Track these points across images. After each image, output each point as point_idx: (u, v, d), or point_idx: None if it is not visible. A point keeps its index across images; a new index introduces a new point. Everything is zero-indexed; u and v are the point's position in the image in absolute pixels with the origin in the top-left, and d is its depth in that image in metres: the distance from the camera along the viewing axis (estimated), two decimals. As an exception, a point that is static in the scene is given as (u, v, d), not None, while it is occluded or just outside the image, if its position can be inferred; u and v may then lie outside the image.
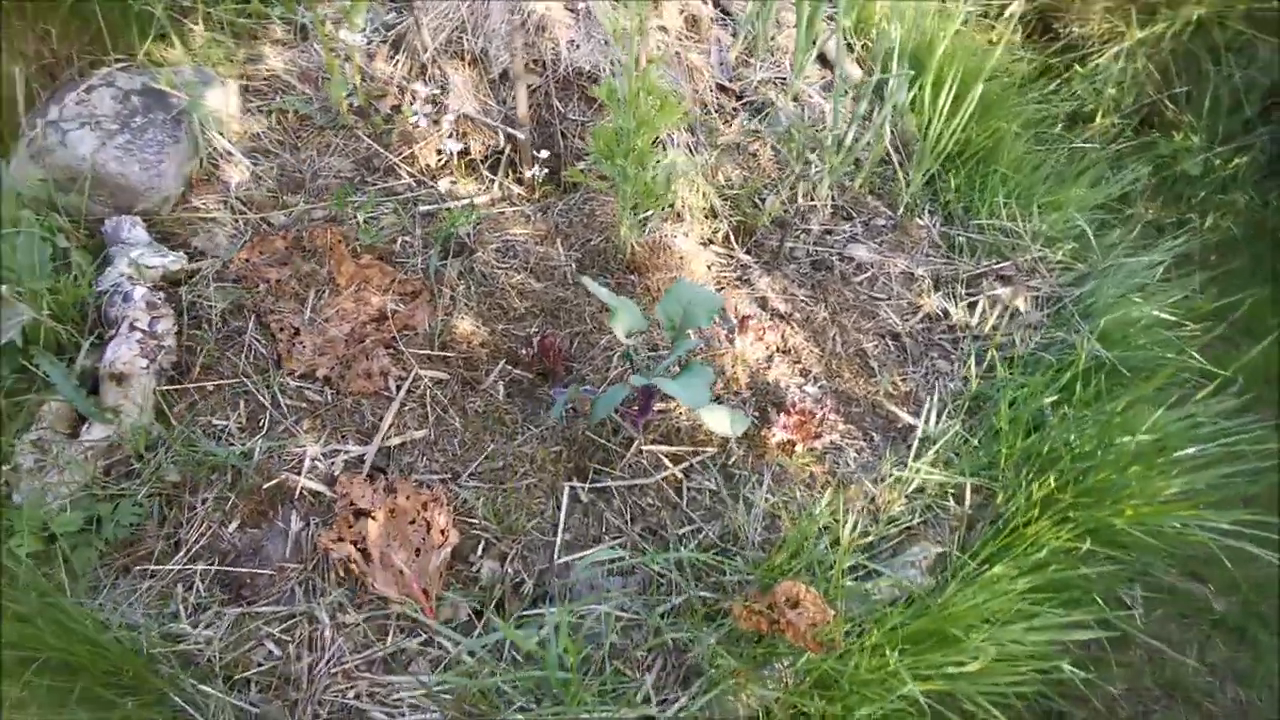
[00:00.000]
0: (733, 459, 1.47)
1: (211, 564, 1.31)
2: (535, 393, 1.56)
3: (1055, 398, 1.52)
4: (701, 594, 1.29)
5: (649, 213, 1.87)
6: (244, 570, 1.30)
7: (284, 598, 1.28)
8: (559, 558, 1.33)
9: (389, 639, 1.25)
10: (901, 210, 1.97)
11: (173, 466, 1.38)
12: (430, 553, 1.29)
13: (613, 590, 1.30)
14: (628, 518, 1.39)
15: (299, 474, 1.39)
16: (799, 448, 1.48)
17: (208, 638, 1.23)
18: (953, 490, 1.44)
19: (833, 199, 2.00)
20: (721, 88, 2.11)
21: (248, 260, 1.65)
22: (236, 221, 1.73)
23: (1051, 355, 1.65)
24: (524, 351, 1.59)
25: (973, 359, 1.68)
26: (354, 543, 1.29)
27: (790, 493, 1.44)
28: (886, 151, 2.03)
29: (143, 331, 1.43)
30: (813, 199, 1.98)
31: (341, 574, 1.29)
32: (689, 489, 1.43)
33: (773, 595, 1.17)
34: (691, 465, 1.45)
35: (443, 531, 1.31)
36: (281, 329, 1.55)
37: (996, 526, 1.41)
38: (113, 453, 1.38)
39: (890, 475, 1.49)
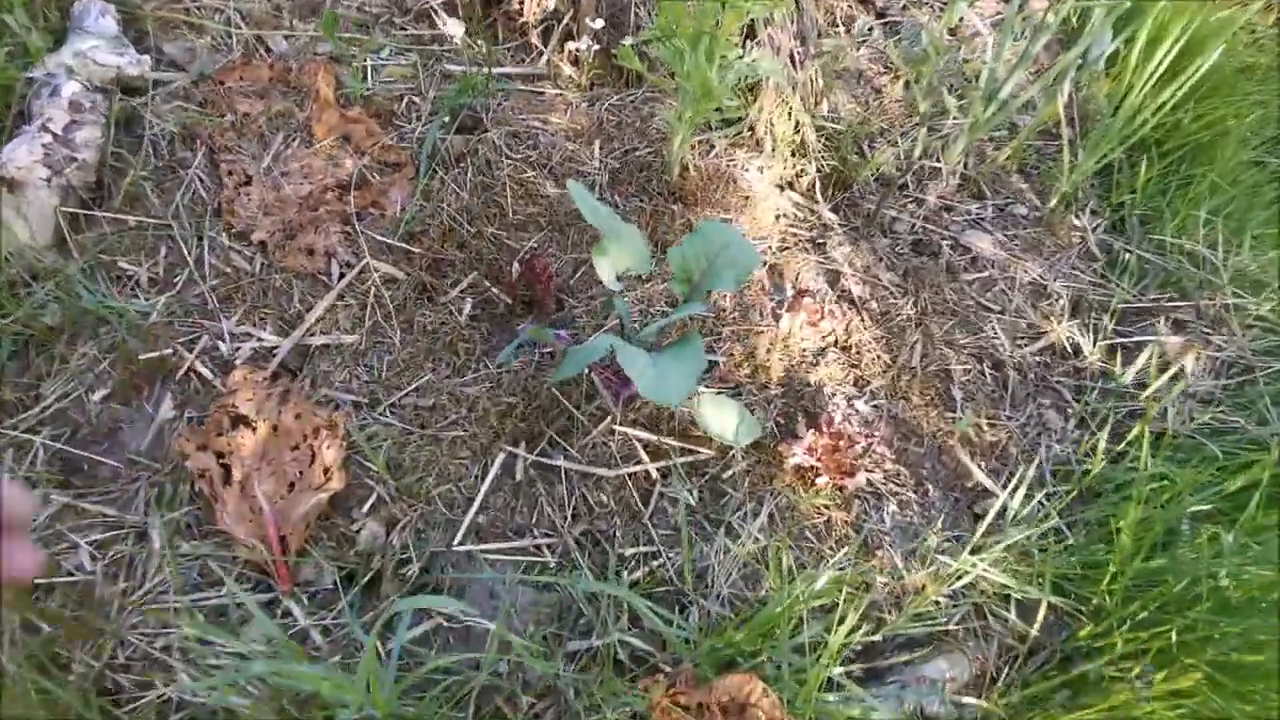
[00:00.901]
0: (730, 472, 1.10)
1: (60, 436, 1.06)
2: (509, 323, 1.22)
3: (1209, 508, 1.06)
4: (630, 642, 0.95)
5: (716, 131, 1.45)
6: (89, 454, 1.05)
7: (122, 500, 1.02)
8: (460, 542, 1.01)
9: (226, 586, 0.98)
10: (1054, 201, 1.47)
11: (56, 307, 1.13)
12: (304, 493, 1.00)
13: (517, 605, 0.98)
14: (568, 513, 1.05)
15: (192, 351, 1.12)
16: (822, 480, 1.09)
17: (18, 524, 0.99)
18: (1020, 597, 1.02)
19: (964, 166, 1.52)
20: (859, -7, 1.63)
21: (222, 84, 1.35)
22: (228, 36, 1.43)
23: (1219, 446, 1.16)
24: (509, 268, 1.25)
25: (1105, 429, 1.22)
26: (219, 455, 1.02)
27: (790, 539, 1.06)
28: (1056, 119, 1.52)
29: (54, 135, 1.16)
30: (939, 160, 1.51)
31: (195, 491, 1.02)
32: (660, 497, 1.08)
33: (711, 691, 0.82)
34: (672, 467, 1.09)
35: (327, 471, 1.01)
36: (231, 173, 1.26)
37: (1069, 666, 0.99)
38: (-11, 273, 1.14)
39: (937, 551, 1.08)
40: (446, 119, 1.37)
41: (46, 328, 1.13)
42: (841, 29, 1.65)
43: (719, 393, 1.16)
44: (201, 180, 1.27)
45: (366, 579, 0.99)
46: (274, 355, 1.13)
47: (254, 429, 1.03)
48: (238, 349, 1.14)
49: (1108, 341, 1.31)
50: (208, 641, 0.95)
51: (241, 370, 1.09)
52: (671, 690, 0.83)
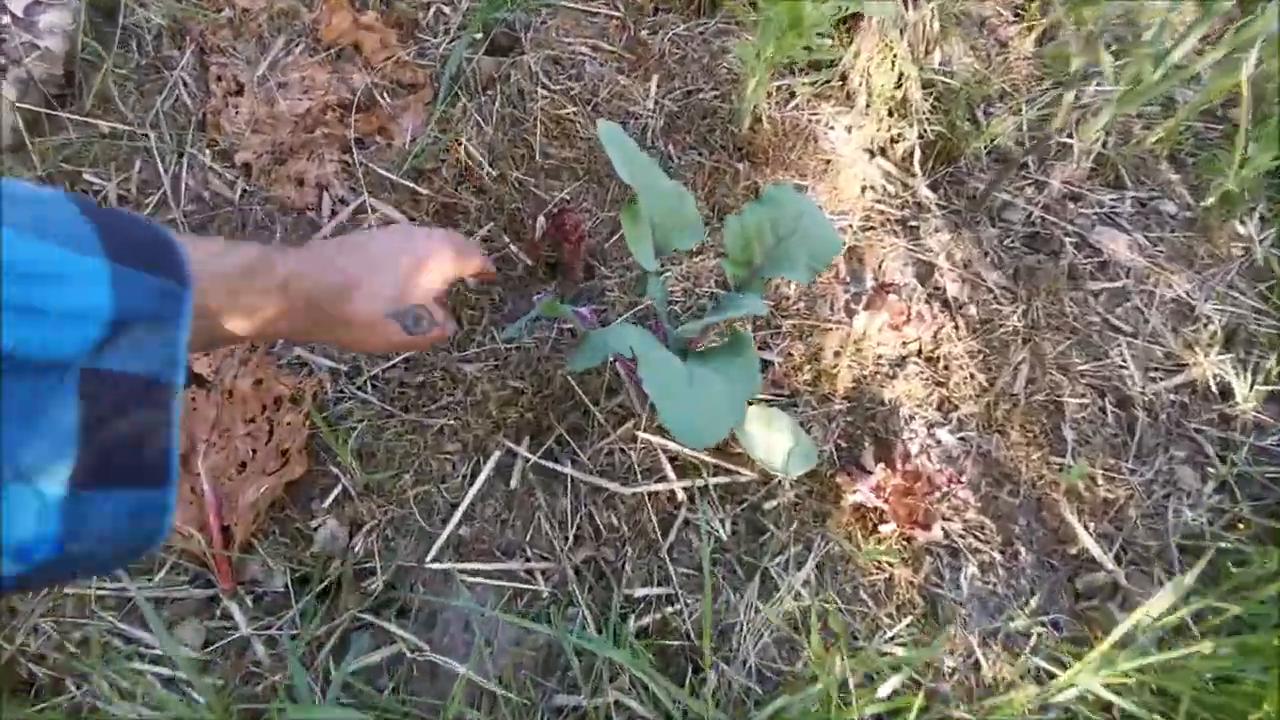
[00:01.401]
0: (773, 503, 0.89)
1: None
2: (527, 288, 1.01)
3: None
4: (629, 705, 0.77)
5: (799, 76, 1.20)
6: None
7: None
8: (436, 557, 0.83)
9: (158, 574, 0.82)
10: (1212, 199, 1.18)
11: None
12: (256, 477, 0.82)
13: (496, 642, 0.80)
14: (570, 534, 0.86)
15: (150, 290, 0.94)
16: (887, 528, 0.87)
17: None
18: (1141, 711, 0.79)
19: (1103, 145, 1.23)
20: (997, -81, 1.32)
21: (224, -28, 1.15)
22: (237, -83, 1.21)
23: None
24: (533, 222, 1.03)
25: (1252, 500, 0.97)
26: (162, 419, 0.84)
27: (839, 598, 0.85)
28: (1229, 96, 1.22)
29: (13, 16, 0.98)
30: (1072, 135, 1.23)
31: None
32: (684, 525, 0.88)
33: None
34: (703, 489, 0.89)
35: (284, 453, 0.84)
36: (221, 79, 1.07)
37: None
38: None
39: (1026, 640, 0.86)
40: (478, 35, 1.14)
41: None
42: (967, -37, 1.35)
43: (770, 403, 0.95)
44: (187, 85, 1.08)
45: (322, 585, 0.82)
46: (245, 302, 0.95)
47: (208, 393, 0.86)
48: (205, 291, 0.96)
49: (1270, 387, 1.04)
50: (130, 638, 0.80)
51: (203, 318, 0.91)
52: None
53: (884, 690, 0.72)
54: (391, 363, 0.92)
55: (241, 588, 0.82)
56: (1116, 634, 0.68)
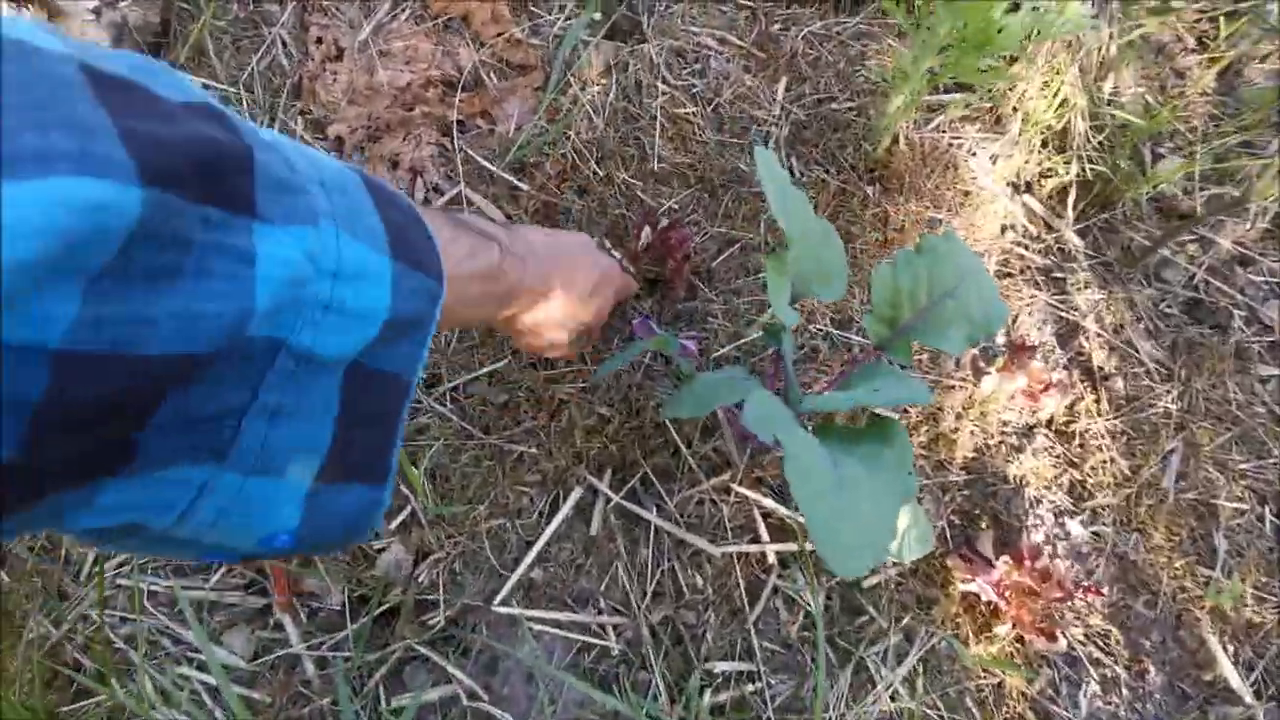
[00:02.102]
0: (873, 582, 0.80)
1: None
2: (624, 304, 0.93)
3: None
4: (696, 795, 0.70)
5: (944, 94, 1.07)
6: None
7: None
8: (505, 600, 0.76)
9: (214, 577, 0.77)
10: None
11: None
12: (322, 488, 0.76)
13: (559, 701, 0.73)
14: (648, 589, 0.78)
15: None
16: (1002, 629, 0.77)
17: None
18: None
19: (1285, 206, 1.08)
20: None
21: (334, -78, 1.07)
22: None
23: None
24: (639, 231, 0.94)
25: None
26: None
27: (942, 704, 0.76)
28: None
29: (114, -44, 0.92)
30: (1248, 193, 1.07)
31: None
32: (774, 594, 0.79)
33: None
34: (798, 555, 0.80)
35: (354, 466, 0.77)
36: (320, 41, 0.99)
37: None
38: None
39: (1146, 767, 0.76)
40: (597, 16, 1.04)
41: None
42: (1150, -22, 1.19)
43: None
44: (285, 44, 1.01)
45: (380, 610, 0.77)
46: (326, 289, 0.89)
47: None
48: (286, 271, 0.90)
49: None
50: (179, 639, 0.75)
51: (282, 303, 0.86)
52: None
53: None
54: (474, 374, 0.85)
55: (298, 600, 0.77)
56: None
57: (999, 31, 0.72)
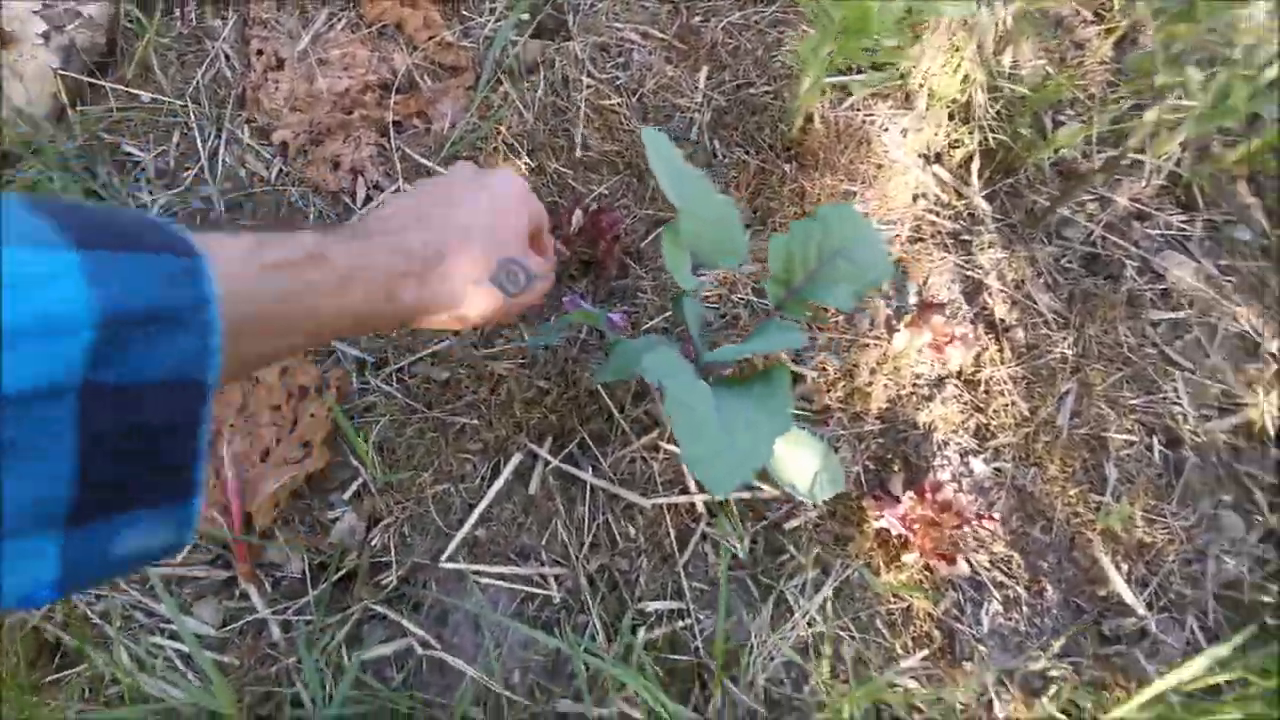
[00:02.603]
0: (795, 523, 0.88)
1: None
2: (559, 283, 1.00)
3: None
4: (634, 717, 0.77)
5: (857, 75, 1.14)
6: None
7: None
8: (451, 557, 0.83)
9: (182, 554, 0.84)
10: (1292, 227, 1.11)
11: (52, 188, 0.97)
12: (278, 467, 0.83)
13: (505, 645, 0.80)
14: (586, 541, 0.85)
15: (186, 267, 0.95)
16: (910, 558, 0.85)
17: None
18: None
19: (1176, 163, 1.16)
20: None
21: (271, -61, 1.13)
22: (287, -119, 1.19)
23: None
24: (570, 216, 1.01)
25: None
26: (192, 400, 0.85)
27: (854, 626, 0.83)
28: (1323, 116, 1.13)
29: (60, -18, 0.98)
30: (1144, 152, 1.15)
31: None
32: (702, 539, 0.86)
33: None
34: (723, 503, 0.87)
35: (307, 445, 0.84)
36: (261, 53, 1.05)
37: None
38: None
39: (1045, 682, 0.84)
40: (525, 17, 1.11)
41: (35, 212, 0.97)
42: (1046, -44, 1.26)
43: (800, 419, 0.92)
44: (228, 57, 1.07)
45: (338, 575, 0.83)
46: (278, 284, 0.95)
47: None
48: (239, 270, 0.96)
49: (1333, 435, 0.98)
50: (151, 612, 0.82)
51: (236, 298, 0.92)
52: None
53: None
54: (417, 356, 0.92)
55: (260, 571, 0.84)
56: (1122, 635, 0.65)
57: (873, 17, 0.80)
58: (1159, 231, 1.12)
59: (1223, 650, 0.66)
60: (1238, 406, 1.01)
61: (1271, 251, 1.11)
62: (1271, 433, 1.00)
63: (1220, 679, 0.70)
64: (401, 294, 0.47)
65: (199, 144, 1.03)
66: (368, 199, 0.99)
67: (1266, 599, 0.89)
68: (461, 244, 0.49)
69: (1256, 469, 0.97)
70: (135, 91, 1.03)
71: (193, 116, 1.04)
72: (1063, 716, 0.78)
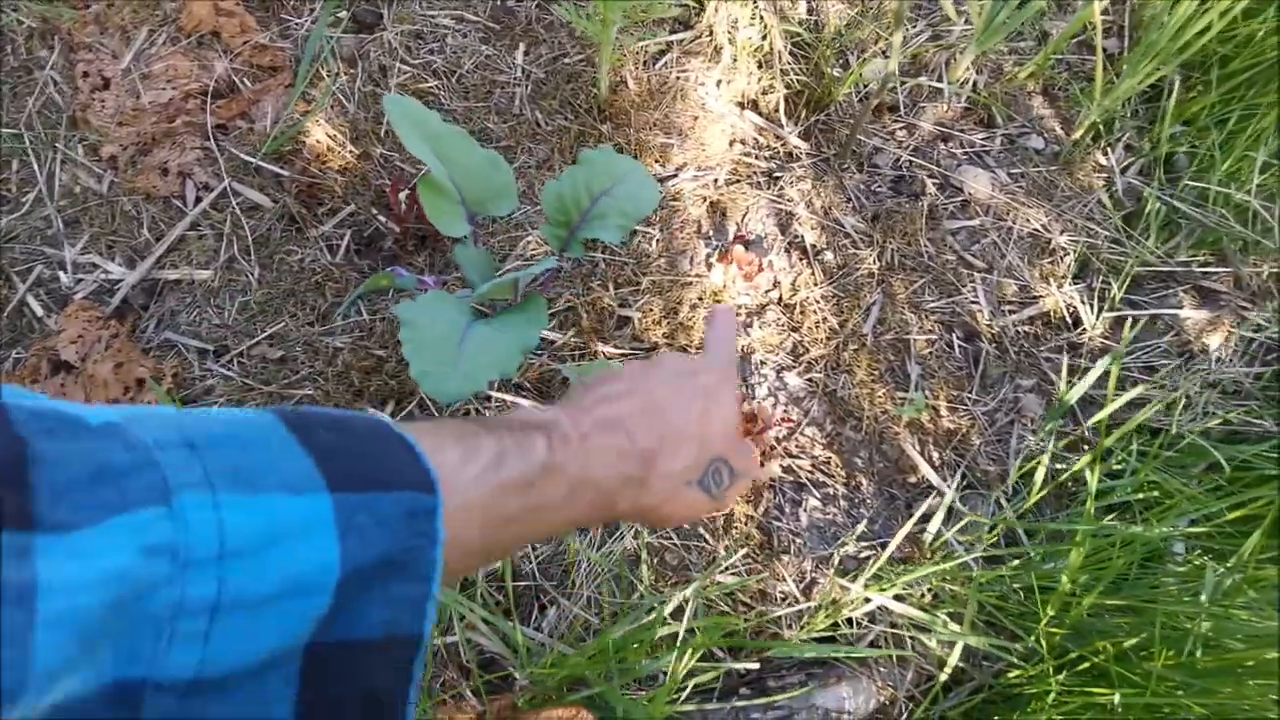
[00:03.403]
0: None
1: (-119, 371, 0.96)
2: (396, 260, 1.06)
3: (1204, 530, 0.85)
4: (480, 643, 0.83)
5: (671, 35, 1.21)
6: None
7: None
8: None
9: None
10: (1079, 133, 1.20)
11: (-113, 225, 1.01)
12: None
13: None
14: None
15: (26, 281, 0.99)
16: (728, 468, 0.92)
17: None
18: (944, 636, 0.84)
19: (974, 88, 1.25)
20: None
21: (90, -34, 1.17)
22: (103, -91, 1.23)
23: (1233, 454, 0.94)
24: (396, 196, 1.07)
25: (1092, 419, 1.01)
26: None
27: (676, 535, 0.90)
28: (1092, 26, 1.23)
29: None
30: (941, 79, 1.24)
31: None
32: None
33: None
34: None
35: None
36: (87, 75, 1.10)
37: (991, 709, 0.83)
38: None
39: (858, 564, 0.91)
40: (342, 14, 1.16)
41: (-126, 249, 1.01)
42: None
43: (629, 356, 0.99)
44: (56, 83, 1.11)
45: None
46: (117, 290, 1.00)
47: (76, 378, 0.91)
48: (80, 281, 1.01)
49: (1116, 313, 1.07)
50: None
51: (75, 306, 0.96)
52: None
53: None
54: (255, 340, 0.97)
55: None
56: (927, 516, 0.72)
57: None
58: (961, 150, 1.21)
59: (990, 467, 0.74)
60: (1035, 299, 1.09)
61: (1060, 156, 1.20)
62: (1068, 319, 1.09)
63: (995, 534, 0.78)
64: (620, 502, 0.43)
65: (36, 169, 1.07)
66: (197, 199, 1.04)
67: (1060, 467, 0.98)
68: (677, 446, 0.44)
69: (1053, 352, 1.06)
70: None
71: (28, 143, 1.08)
72: (844, 584, 0.86)
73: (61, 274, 1.01)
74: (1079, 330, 1.07)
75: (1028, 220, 1.14)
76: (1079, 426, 1.01)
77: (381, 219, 1.07)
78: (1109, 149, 1.20)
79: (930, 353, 1.04)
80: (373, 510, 0.27)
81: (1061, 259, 1.12)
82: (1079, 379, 1.01)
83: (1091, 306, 1.07)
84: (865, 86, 1.24)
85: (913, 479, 0.97)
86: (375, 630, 0.27)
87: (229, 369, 0.95)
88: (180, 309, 0.99)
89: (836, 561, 0.91)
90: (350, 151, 1.08)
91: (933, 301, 1.07)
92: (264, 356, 0.96)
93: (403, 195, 1.07)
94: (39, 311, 0.98)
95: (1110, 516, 0.93)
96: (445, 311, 0.66)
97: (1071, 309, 1.08)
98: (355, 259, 1.05)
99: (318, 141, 1.07)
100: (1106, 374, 1.03)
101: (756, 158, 1.17)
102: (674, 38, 1.23)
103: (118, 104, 1.07)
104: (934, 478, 0.96)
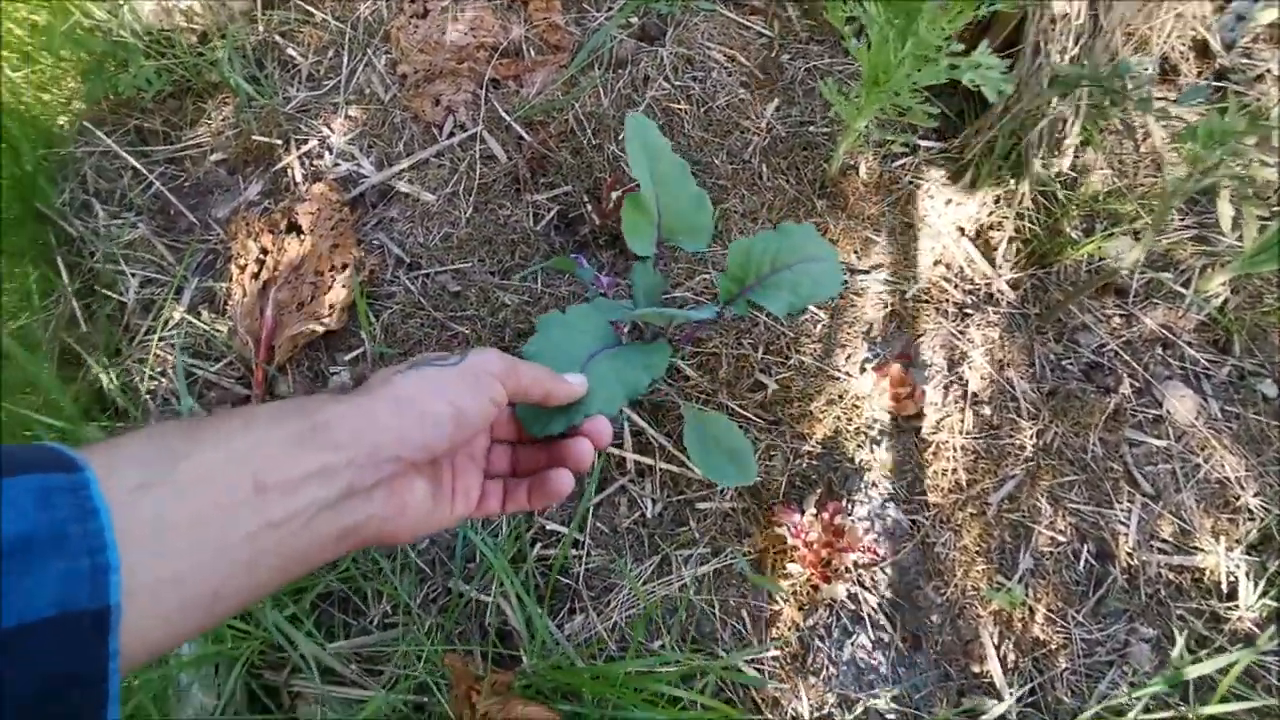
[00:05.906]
0: (707, 506, 0.95)
1: (171, 178, 1.17)
2: (585, 247, 1.13)
3: None
4: (506, 613, 0.88)
5: (922, 137, 1.20)
6: (181, 203, 1.15)
7: (182, 252, 1.11)
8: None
9: (218, 365, 1.04)
10: (1327, 398, 1.06)
11: (222, 65, 1.22)
12: (305, 319, 1.01)
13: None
14: (521, 459, 0.97)
15: (298, 149, 1.17)
16: (795, 568, 0.91)
17: (95, 231, 1.12)
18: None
19: (1221, 306, 1.13)
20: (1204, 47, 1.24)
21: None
22: None
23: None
24: (608, 191, 1.14)
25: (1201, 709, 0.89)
26: (263, 250, 1.06)
27: (719, 608, 0.90)
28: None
29: (281, -88, 1.23)
30: (1189, 284, 1.14)
31: (230, 268, 1.08)
32: (620, 492, 0.96)
33: (510, 708, 0.72)
34: (651, 468, 0.97)
35: (331, 307, 1.02)
36: (414, 1, 1.27)
37: None
38: (167, 18, 1.24)
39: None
40: (633, 19, 1.26)
41: (209, 83, 1.23)
42: (1154, 70, 1.27)
43: (748, 425, 1.00)
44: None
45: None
46: (361, 183, 1.15)
47: (301, 241, 1.06)
48: (336, 165, 1.17)
49: (1277, 603, 0.94)
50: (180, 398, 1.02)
51: (325, 184, 1.12)
52: (474, 685, 0.75)
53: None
54: (443, 268, 1.08)
55: (269, 397, 1.02)
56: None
57: (893, 70, 0.88)
58: (1178, 364, 1.11)
59: (1065, 697, 0.69)
60: (1194, 550, 0.98)
61: (1292, 414, 1.07)
62: (1224, 586, 0.97)
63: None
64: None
65: (344, 62, 1.25)
66: (451, 134, 1.17)
67: (1147, 735, 0.87)
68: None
69: (1189, 614, 0.95)
70: (311, 9, 1.27)
71: (347, 40, 1.26)
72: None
73: (326, 154, 1.17)
74: (1229, 603, 0.95)
75: (1223, 465, 1.02)
76: (1186, 705, 0.90)
77: (589, 207, 1.14)
78: (1355, 430, 1.05)
79: (1051, 553, 0.96)
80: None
81: (1244, 521, 0.99)
82: (1207, 657, 0.89)
83: (1255, 585, 0.94)
84: (1099, 259, 1.16)
85: (976, 668, 0.91)
86: (40, 609, 0.27)
87: (412, 284, 1.07)
88: (399, 219, 1.12)
89: (860, 710, 0.87)
90: (588, 140, 1.17)
91: (1077, 503, 0.99)
92: (444, 286, 1.06)
93: (614, 194, 1.14)
94: (298, 178, 1.15)
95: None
96: (582, 332, 0.71)
97: (1232, 579, 0.96)
98: (552, 233, 1.13)
99: (566, 121, 1.17)
100: (1233, 665, 0.91)
101: (955, 287, 1.14)
102: (923, 143, 1.22)
103: (425, 34, 1.23)
104: (999, 678, 0.90)
